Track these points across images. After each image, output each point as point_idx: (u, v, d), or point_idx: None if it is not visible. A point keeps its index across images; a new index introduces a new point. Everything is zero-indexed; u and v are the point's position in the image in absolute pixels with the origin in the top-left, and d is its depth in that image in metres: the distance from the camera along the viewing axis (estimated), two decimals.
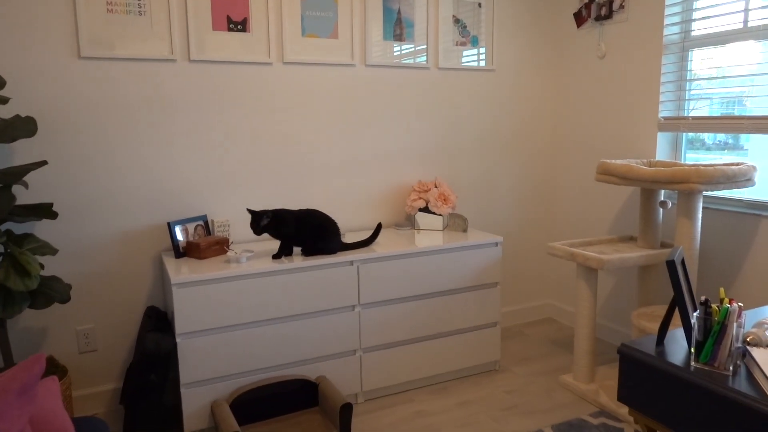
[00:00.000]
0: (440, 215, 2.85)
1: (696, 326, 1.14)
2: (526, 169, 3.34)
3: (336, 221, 2.48)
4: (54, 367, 2.24)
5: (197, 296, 2.13)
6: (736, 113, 2.55)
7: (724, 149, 2.64)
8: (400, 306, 2.51)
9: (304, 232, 2.37)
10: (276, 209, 2.38)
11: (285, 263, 2.28)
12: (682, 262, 1.27)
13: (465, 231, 2.83)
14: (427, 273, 2.54)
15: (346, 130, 2.81)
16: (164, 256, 2.41)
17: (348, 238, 2.65)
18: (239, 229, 2.65)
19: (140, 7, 2.35)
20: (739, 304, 1.13)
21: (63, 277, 2.35)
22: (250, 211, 2.32)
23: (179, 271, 2.17)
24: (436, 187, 2.89)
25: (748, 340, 1.19)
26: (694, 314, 1.13)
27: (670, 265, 1.19)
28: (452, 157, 3.10)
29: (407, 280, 2.50)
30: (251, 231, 2.35)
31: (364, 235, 2.70)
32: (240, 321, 2.21)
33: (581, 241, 2.67)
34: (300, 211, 2.42)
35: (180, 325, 2.12)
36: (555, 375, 2.75)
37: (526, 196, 3.36)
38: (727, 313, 1.11)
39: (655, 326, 2.26)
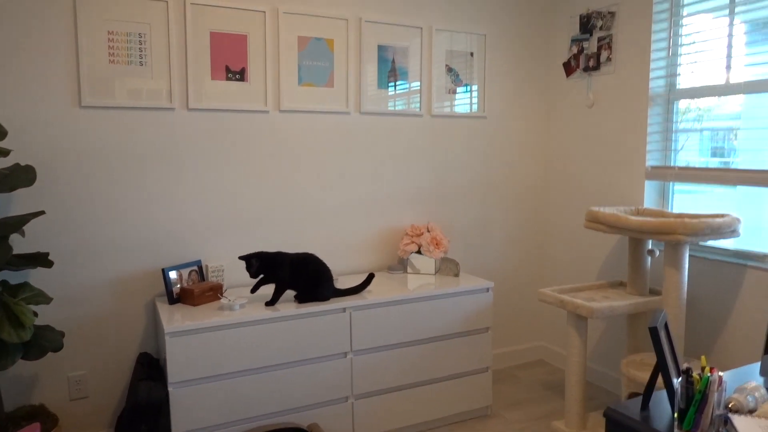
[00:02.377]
0: (433, 259, 2.89)
1: (678, 393, 1.17)
2: (517, 213, 3.39)
3: (330, 267, 2.50)
4: (45, 416, 2.23)
5: (190, 345, 2.14)
6: (732, 161, 2.61)
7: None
8: (392, 352, 2.52)
9: (299, 278, 2.40)
10: (272, 252, 2.41)
11: (278, 311, 2.30)
12: (665, 326, 1.30)
13: (457, 275, 2.86)
14: (418, 319, 2.56)
15: (340, 176, 2.87)
16: (158, 302, 2.42)
17: (341, 282, 2.68)
18: (234, 274, 2.67)
19: (141, 57, 2.42)
20: (720, 374, 1.16)
21: (56, 323, 2.36)
22: (241, 258, 2.36)
23: (172, 319, 2.19)
24: (428, 231, 2.93)
25: (729, 406, 1.22)
26: (676, 381, 1.16)
27: (653, 332, 1.22)
28: (445, 202, 3.15)
29: (399, 326, 2.52)
30: (247, 276, 2.38)
31: (358, 279, 2.73)
32: (233, 369, 2.22)
33: (571, 287, 2.71)
34: (296, 255, 2.45)
35: (173, 374, 2.13)
36: (547, 420, 2.76)
37: (517, 239, 3.41)
38: (707, 383, 1.15)
39: (644, 375, 2.29)
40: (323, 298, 2.42)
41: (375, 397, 2.51)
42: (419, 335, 2.57)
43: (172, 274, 2.43)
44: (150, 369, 2.30)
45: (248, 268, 2.35)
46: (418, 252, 2.91)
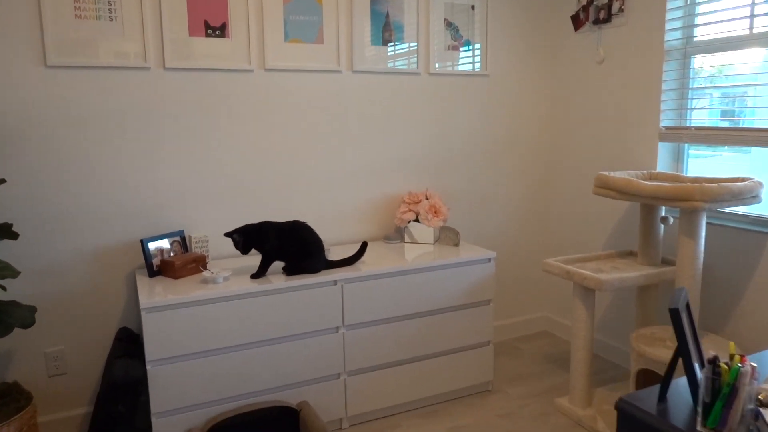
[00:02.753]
0: (431, 228, 2.72)
1: (703, 386, 1.02)
2: (521, 178, 3.21)
3: (321, 237, 2.34)
4: (17, 393, 2.12)
5: (169, 320, 2.01)
6: (743, 120, 2.42)
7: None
8: (387, 326, 2.38)
9: (287, 248, 2.24)
10: (256, 223, 2.26)
11: (267, 283, 2.15)
12: (687, 308, 1.14)
13: (457, 245, 2.70)
14: (416, 292, 2.41)
15: (332, 140, 2.68)
16: (138, 275, 2.28)
17: (334, 253, 2.53)
18: (219, 245, 2.52)
19: (111, 12, 2.21)
20: (752, 364, 1.00)
21: (29, 298, 2.22)
22: (226, 235, 2.20)
23: (151, 293, 2.05)
24: (426, 198, 2.76)
25: (761, 398, 1.07)
26: (701, 372, 1.01)
27: (674, 314, 1.06)
28: (444, 167, 2.97)
29: (394, 299, 2.37)
30: (233, 247, 2.23)
31: (352, 249, 2.57)
32: (216, 346, 2.09)
33: (578, 257, 2.55)
34: (285, 223, 2.29)
35: (150, 352, 1.99)
36: (550, 396, 2.63)
37: (521, 206, 3.23)
38: (737, 375, 0.99)
39: (655, 352, 2.14)
40: (313, 269, 2.27)
41: (369, 373, 2.38)
42: (416, 308, 2.42)
43: (153, 245, 2.28)
44: (129, 345, 2.17)
45: (235, 246, 2.19)
46: (416, 221, 2.74)
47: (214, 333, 2.07)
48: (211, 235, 2.50)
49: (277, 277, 2.22)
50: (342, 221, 2.76)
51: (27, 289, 2.22)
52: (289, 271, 2.26)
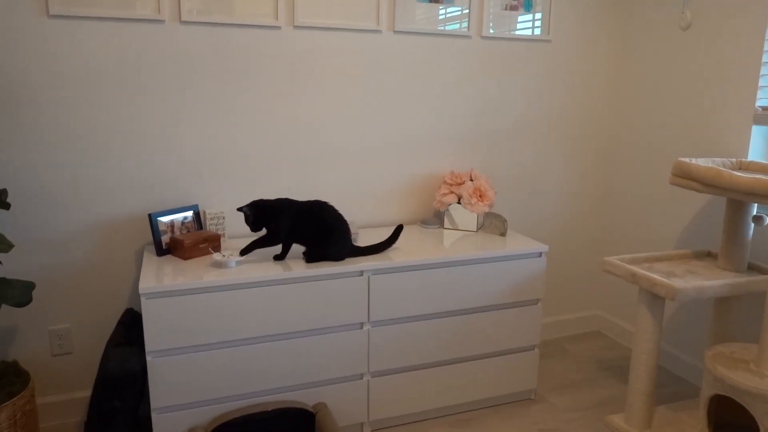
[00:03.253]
0: (475, 214, 2.41)
1: None
2: (579, 161, 2.83)
3: (348, 219, 2.07)
4: (15, 376, 1.95)
5: (172, 308, 1.78)
6: None
7: None
8: (419, 324, 2.10)
9: (305, 231, 1.98)
10: (271, 199, 2.00)
11: (281, 271, 1.90)
12: None
13: (503, 234, 2.38)
14: (454, 287, 2.12)
15: (367, 109, 2.38)
16: (146, 253, 2.07)
17: (363, 238, 2.25)
18: (235, 222, 2.28)
19: None
20: None
21: (30, 272, 2.05)
22: (239, 210, 1.96)
23: (154, 276, 1.83)
24: (471, 180, 2.44)
25: None
26: None
27: None
28: (492, 145, 2.63)
29: (428, 294, 2.09)
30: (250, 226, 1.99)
31: (383, 234, 2.29)
32: (224, 338, 1.86)
33: (645, 256, 2.19)
34: (304, 203, 2.03)
35: (150, 342, 1.78)
36: (602, 411, 2.31)
37: (578, 192, 2.86)
38: None
39: (736, 377, 1.79)
40: (337, 257, 2.01)
41: (395, 375, 2.12)
42: (453, 305, 2.13)
43: (164, 221, 2.06)
44: (130, 330, 1.97)
45: (246, 221, 1.95)
46: (458, 205, 2.43)
47: (222, 324, 1.85)
48: (228, 212, 2.26)
49: (296, 263, 1.97)
50: (374, 202, 2.48)
51: (27, 263, 2.04)
52: (310, 257, 2.00)
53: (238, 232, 2.30)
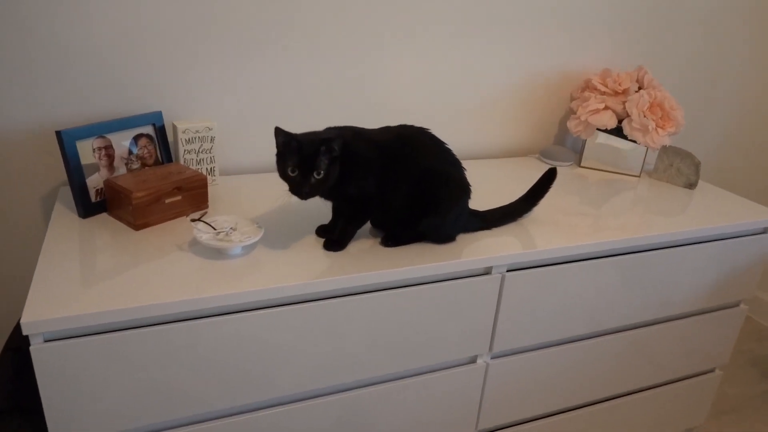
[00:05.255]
0: (644, 147, 1.41)
1: None
2: None
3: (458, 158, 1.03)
4: None
5: (101, 358, 0.80)
6: None
7: None
8: (565, 350, 1.18)
9: (396, 191, 0.96)
10: (341, 126, 0.97)
11: (337, 271, 0.91)
12: None
13: (692, 186, 1.40)
14: (640, 284, 1.17)
15: None
16: (57, 213, 1.04)
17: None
18: (240, 146, 1.25)
19: None
20: None
21: None
22: (279, 134, 0.89)
23: (65, 280, 0.82)
24: (640, 87, 1.41)
25: None
26: None
27: None
28: (674, 32, 1.57)
29: (593, 300, 1.14)
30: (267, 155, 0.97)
31: (486, 175, 1.29)
32: (227, 405, 0.90)
33: None
34: (383, 131, 0.99)
35: (53, 425, 0.81)
36: None
37: None
38: None
39: None
40: (445, 236, 1.02)
41: (518, 427, 1.22)
42: (629, 316, 1.20)
43: (84, 146, 1.02)
44: (25, 373, 0.98)
45: (279, 164, 0.90)
46: (616, 130, 1.41)
47: (221, 383, 0.88)
48: (224, 125, 1.22)
49: (359, 249, 0.98)
50: (464, 119, 1.45)
51: None
52: (397, 238, 1.00)
53: (237, 165, 1.27)
